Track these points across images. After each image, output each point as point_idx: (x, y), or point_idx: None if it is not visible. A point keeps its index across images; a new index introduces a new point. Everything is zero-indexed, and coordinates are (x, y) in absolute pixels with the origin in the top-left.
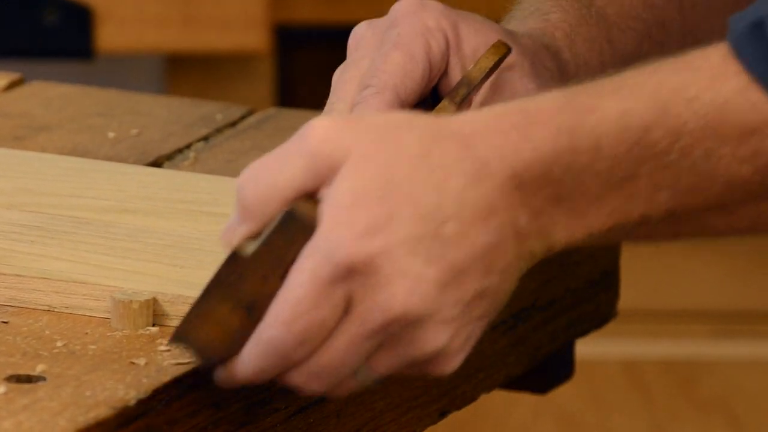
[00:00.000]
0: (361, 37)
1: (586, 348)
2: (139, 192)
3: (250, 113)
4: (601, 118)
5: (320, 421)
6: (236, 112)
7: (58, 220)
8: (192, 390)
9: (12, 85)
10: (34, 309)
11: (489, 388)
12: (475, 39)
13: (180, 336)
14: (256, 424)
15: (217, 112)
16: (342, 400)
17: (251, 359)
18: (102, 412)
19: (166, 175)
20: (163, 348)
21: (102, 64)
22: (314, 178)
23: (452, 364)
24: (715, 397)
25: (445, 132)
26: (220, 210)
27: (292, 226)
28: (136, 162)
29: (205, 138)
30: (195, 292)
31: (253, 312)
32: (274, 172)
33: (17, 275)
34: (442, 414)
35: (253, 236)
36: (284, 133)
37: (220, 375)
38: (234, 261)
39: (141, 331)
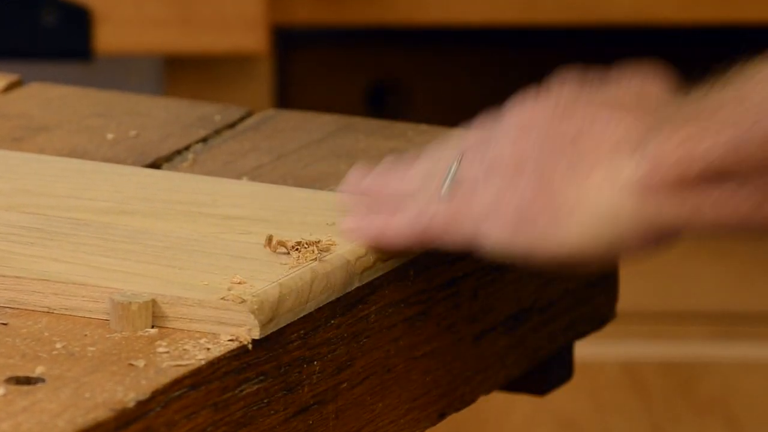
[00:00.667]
0: None
1: (585, 349)
2: (138, 193)
3: (248, 114)
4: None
5: (319, 423)
6: (235, 113)
7: (57, 221)
8: (191, 392)
9: (10, 87)
10: (33, 311)
11: (488, 390)
12: None
13: None
14: (255, 425)
15: (216, 113)
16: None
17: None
18: (101, 413)
19: (165, 177)
20: (162, 349)
21: (100, 65)
22: None
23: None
24: (714, 398)
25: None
26: (219, 211)
27: None
28: (135, 163)
29: (204, 139)
30: (194, 293)
31: None
32: None
33: (16, 277)
34: (441, 415)
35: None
36: (283, 135)
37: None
38: None
39: (140, 333)
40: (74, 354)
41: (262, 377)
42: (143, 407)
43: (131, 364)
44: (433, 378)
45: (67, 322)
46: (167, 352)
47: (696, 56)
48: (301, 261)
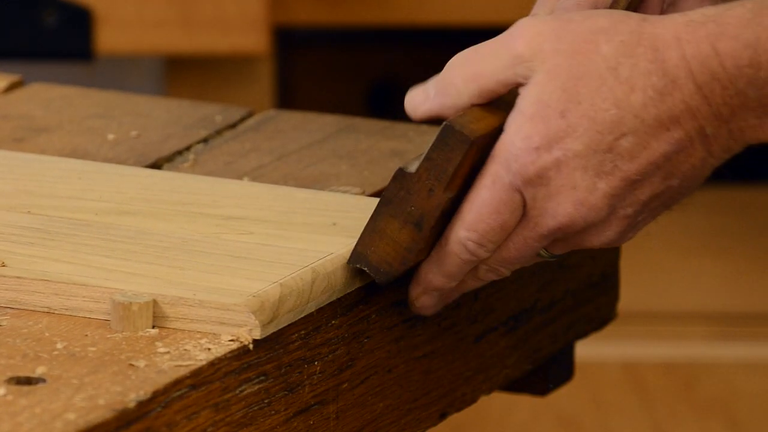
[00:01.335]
0: None
1: (586, 350)
2: (139, 194)
3: (249, 115)
4: None
5: (320, 423)
6: (236, 113)
7: (58, 222)
8: (192, 392)
9: (12, 87)
10: (34, 311)
11: (489, 390)
12: None
13: (357, 257)
14: (255, 425)
15: (217, 113)
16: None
17: (438, 264)
18: (102, 414)
19: (166, 177)
20: (163, 350)
21: (101, 66)
22: (513, 76)
23: (619, 243)
24: (714, 398)
25: (644, 40)
26: (220, 212)
27: (451, 139)
28: (136, 164)
29: (205, 140)
30: (194, 294)
31: (421, 226)
32: (482, 60)
33: (17, 277)
34: (442, 416)
35: (435, 116)
36: (284, 135)
37: (413, 292)
38: (400, 178)
39: (141, 333)
40: (75, 354)
41: (262, 377)
42: (144, 407)
43: (132, 365)
44: (434, 378)
45: (67, 322)
46: (168, 353)
47: None
48: None
